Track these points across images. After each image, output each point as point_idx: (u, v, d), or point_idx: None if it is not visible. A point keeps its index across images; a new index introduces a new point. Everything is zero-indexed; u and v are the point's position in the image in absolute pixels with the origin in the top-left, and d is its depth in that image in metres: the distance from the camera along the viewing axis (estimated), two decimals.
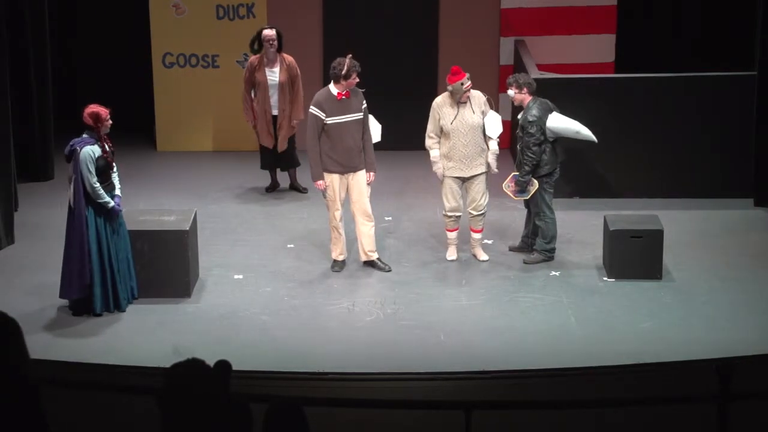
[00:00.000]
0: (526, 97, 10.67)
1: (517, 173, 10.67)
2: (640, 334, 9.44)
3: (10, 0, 12.25)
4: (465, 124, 10.52)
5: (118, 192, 9.72)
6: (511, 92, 10.70)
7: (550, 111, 10.68)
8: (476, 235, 10.92)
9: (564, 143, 10.87)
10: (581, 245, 11.22)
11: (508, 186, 10.77)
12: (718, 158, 12.52)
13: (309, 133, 10.42)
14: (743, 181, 12.38)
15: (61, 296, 9.75)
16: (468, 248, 11.01)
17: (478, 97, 10.60)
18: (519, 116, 10.78)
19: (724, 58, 14.26)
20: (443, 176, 10.67)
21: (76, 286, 9.62)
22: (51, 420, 4.61)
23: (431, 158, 10.72)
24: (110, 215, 9.61)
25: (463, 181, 10.69)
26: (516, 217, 11.97)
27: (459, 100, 10.48)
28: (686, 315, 9.79)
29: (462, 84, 10.44)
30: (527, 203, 10.94)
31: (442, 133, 10.62)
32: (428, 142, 10.72)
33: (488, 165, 10.61)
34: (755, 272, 10.62)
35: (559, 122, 10.69)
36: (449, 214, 10.80)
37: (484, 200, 10.74)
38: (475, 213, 10.77)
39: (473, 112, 10.54)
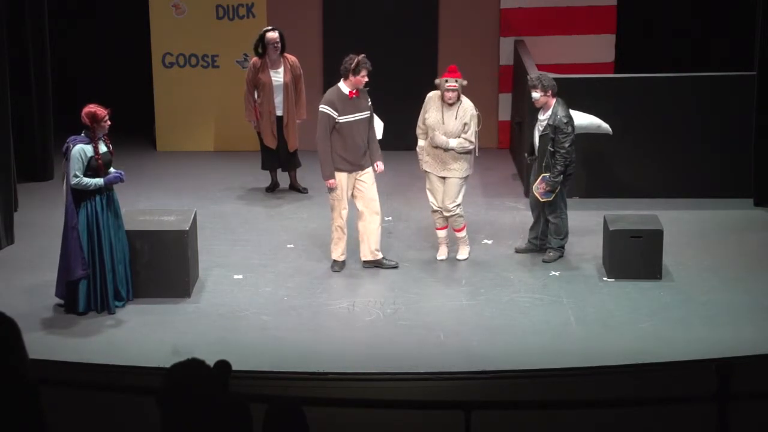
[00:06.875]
0: (550, 100, 10.54)
1: (547, 175, 10.55)
2: (640, 334, 9.44)
3: (10, 0, 12.25)
4: (443, 127, 10.50)
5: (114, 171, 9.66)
6: (536, 95, 10.55)
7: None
8: (457, 234, 10.90)
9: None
10: (581, 245, 11.21)
11: (537, 188, 10.68)
12: (718, 158, 12.51)
13: (320, 132, 10.38)
14: (743, 181, 12.38)
15: (55, 294, 9.74)
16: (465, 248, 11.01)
17: (468, 108, 10.55)
18: (541, 117, 10.64)
19: (724, 58, 14.25)
20: (424, 171, 10.74)
21: (62, 284, 9.61)
22: (51, 420, 4.61)
23: (417, 148, 10.79)
24: (109, 198, 9.56)
25: (443, 179, 10.70)
26: (515, 217, 11.97)
27: (443, 99, 10.47)
28: (686, 315, 9.79)
29: (446, 81, 10.43)
30: (533, 207, 10.90)
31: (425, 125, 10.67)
32: (418, 131, 10.80)
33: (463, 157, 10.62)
34: (755, 272, 10.61)
35: (582, 118, 10.91)
36: (435, 209, 10.80)
37: (450, 203, 10.68)
38: (444, 214, 10.77)
39: (455, 118, 10.51)
